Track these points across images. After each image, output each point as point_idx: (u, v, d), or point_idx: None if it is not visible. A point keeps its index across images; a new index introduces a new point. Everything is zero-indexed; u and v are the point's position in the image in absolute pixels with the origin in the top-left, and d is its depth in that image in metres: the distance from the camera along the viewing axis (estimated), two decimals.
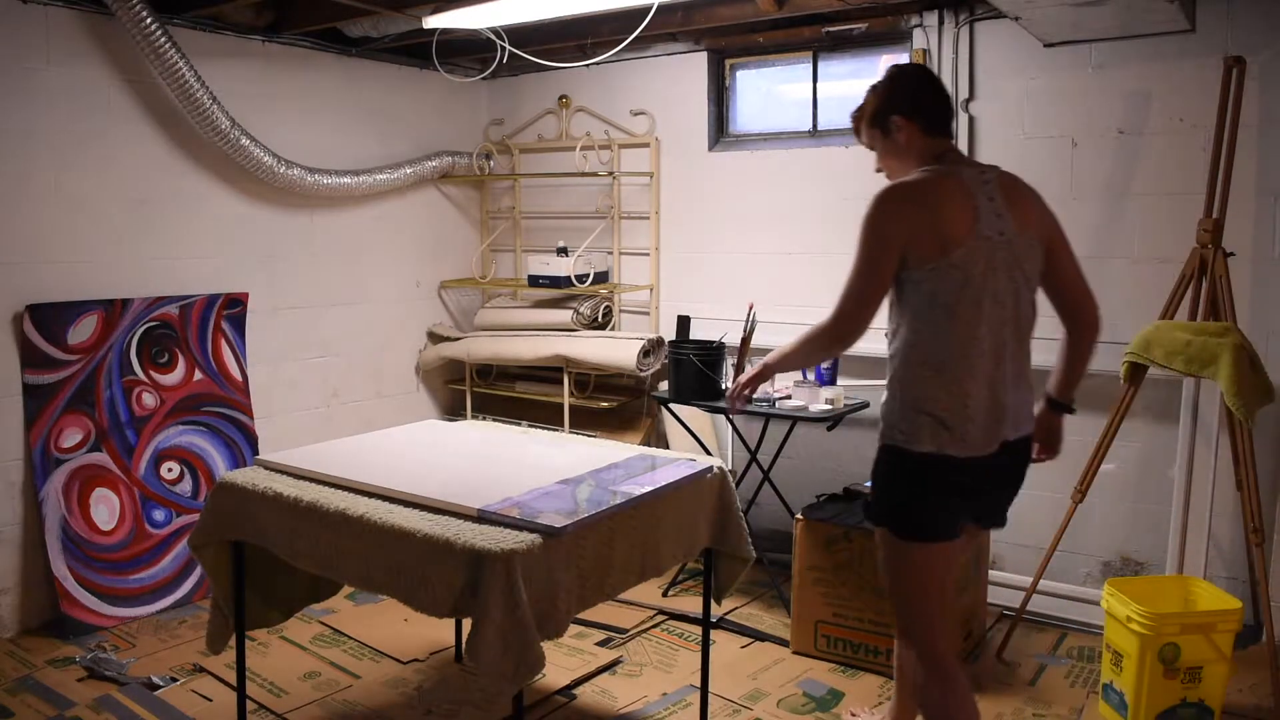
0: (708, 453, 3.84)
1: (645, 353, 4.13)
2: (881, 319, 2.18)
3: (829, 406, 3.51)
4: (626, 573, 2.29)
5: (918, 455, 2.09)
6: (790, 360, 2.32)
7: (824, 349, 2.27)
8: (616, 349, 4.15)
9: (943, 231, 2.07)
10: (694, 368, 3.64)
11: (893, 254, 2.10)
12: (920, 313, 2.10)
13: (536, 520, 2.07)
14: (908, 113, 2.24)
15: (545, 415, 4.56)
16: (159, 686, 3.03)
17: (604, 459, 2.60)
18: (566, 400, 4.36)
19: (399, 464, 2.55)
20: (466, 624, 2.02)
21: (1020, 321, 2.16)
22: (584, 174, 4.49)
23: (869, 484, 2.29)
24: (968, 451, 2.08)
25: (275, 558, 2.43)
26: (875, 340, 3.85)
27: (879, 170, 2.36)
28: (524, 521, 2.08)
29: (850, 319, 2.12)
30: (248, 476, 2.47)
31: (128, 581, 3.55)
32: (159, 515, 3.68)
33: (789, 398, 3.58)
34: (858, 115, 2.37)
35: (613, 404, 4.44)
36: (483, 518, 2.12)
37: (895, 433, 2.13)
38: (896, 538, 2.15)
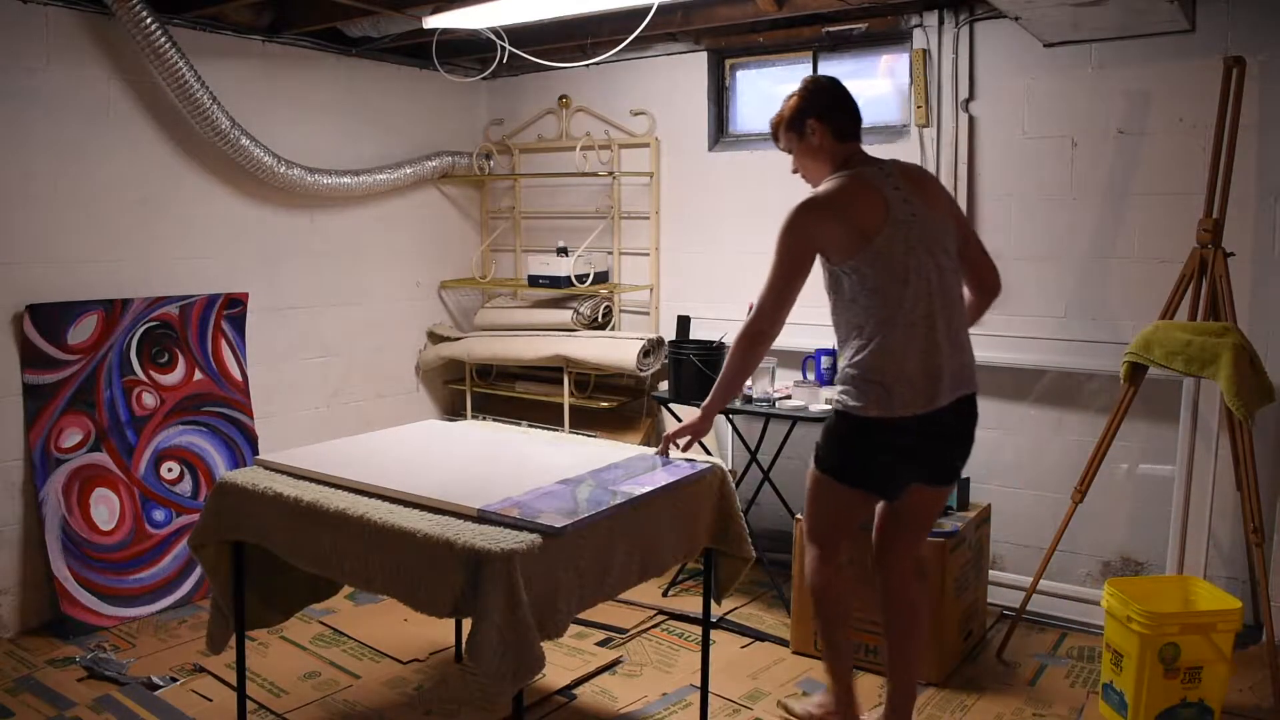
0: (708, 453, 3.83)
1: (645, 353, 4.13)
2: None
3: (829, 406, 3.50)
4: (626, 573, 2.29)
5: (863, 419, 2.41)
6: (724, 387, 2.58)
7: (749, 349, 2.52)
8: (616, 349, 4.15)
9: (859, 226, 2.38)
10: (694, 368, 3.64)
11: (807, 259, 2.42)
12: (856, 298, 2.41)
13: (536, 520, 2.07)
14: (822, 117, 2.51)
15: (545, 415, 4.56)
16: (159, 686, 3.03)
17: (604, 459, 2.60)
18: (566, 400, 4.36)
19: (399, 464, 2.55)
20: (466, 624, 2.02)
21: (947, 291, 2.44)
22: (584, 174, 4.49)
23: (820, 439, 2.58)
24: (907, 410, 2.37)
25: (275, 558, 2.43)
26: None
27: (795, 171, 2.63)
28: (524, 521, 2.07)
29: (768, 316, 2.46)
30: (248, 476, 2.47)
31: (128, 581, 3.55)
32: (159, 515, 3.68)
33: (789, 398, 3.59)
34: (776, 121, 2.61)
35: (613, 404, 4.44)
36: (483, 518, 2.12)
37: (846, 400, 2.44)
38: (836, 481, 2.53)
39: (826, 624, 2.65)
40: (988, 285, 2.62)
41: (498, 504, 2.16)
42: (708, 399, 2.60)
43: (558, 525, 2.05)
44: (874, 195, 2.40)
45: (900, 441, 2.41)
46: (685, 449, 2.64)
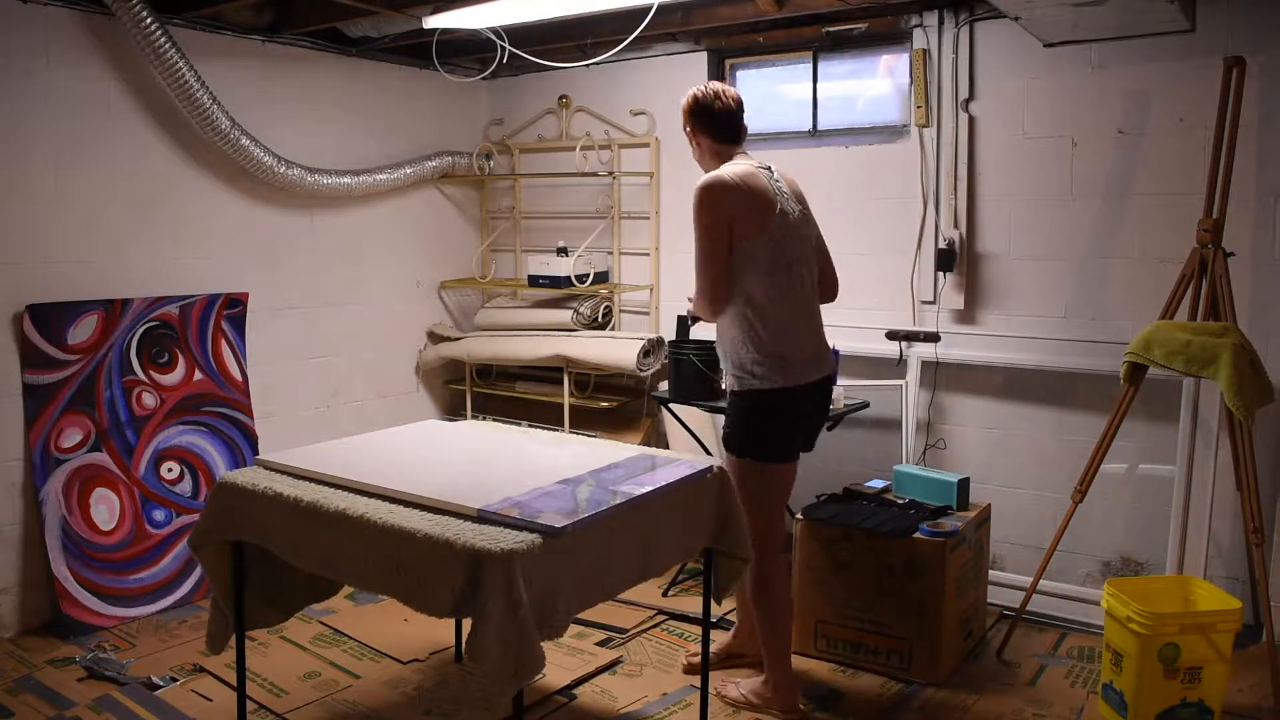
0: (708, 453, 3.83)
1: (645, 353, 4.13)
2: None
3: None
4: (626, 573, 2.29)
5: (771, 391, 2.69)
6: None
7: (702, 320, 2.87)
8: (616, 349, 4.15)
9: (758, 210, 2.67)
10: (694, 368, 3.64)
11: (726, 231, 2.65)
12: (754, 279, 2.66)
13: (536, 520, 2.07)
14: (699, 127, 2.83)
15: (545, 415, 4.56)
16: (159, 686, 3.03)
17: (604, 459, 2.60)
18: (566, 400, 4.36)
19: (399, 464, 2.55)
20: (466, 624, 2.02)
21: (817, 283, 2.84)
22: (584, 174, 4.49)
23: (728, 425, 2.81)
24: (803, 379, 2.72)
25: (275, 558, 2.43)
26: (876, 341, 3.87)
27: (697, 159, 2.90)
28: (524, 521, 2.07)
29: (715, 300, 2.69)
30: (248, 476, 2.47)
31: (128, 581, 3.55)
32: (159, 515, 3.68)
33: None
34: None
35: (613, 404, 4.44)
36: (483, 518, 2.12)
37: (749, 379, 2.70)
38: (757, 462, 2.74)
39: (780, 613, 2.82)
40: (829, 286, 2.93)
41: (498, 504, 2.16)
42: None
43: (558, 525, 2.05)
44: (766, 186, 2.71)
45: (799, 409, 2.75)
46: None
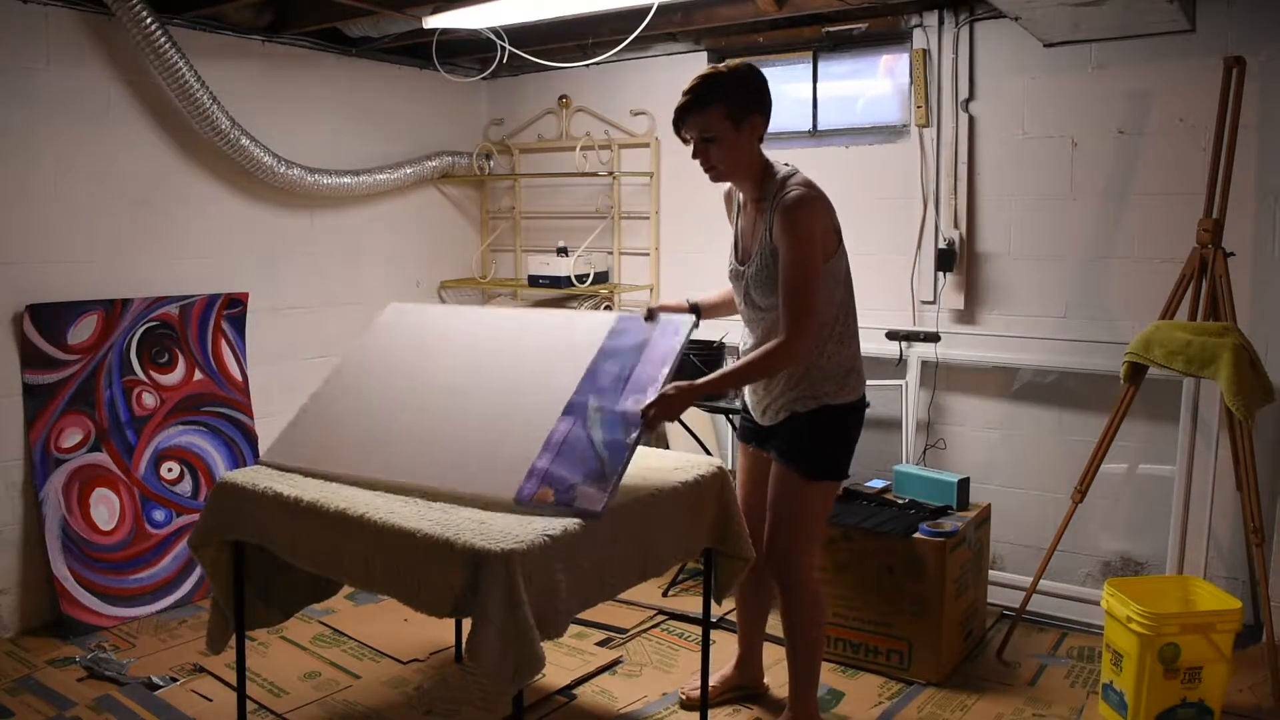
0: (708, 453, 3.83)
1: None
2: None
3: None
4: (626, 573, 2.29)
5: (848, 405, 2.55)
6: (734, 381, 2.64)
7: (780, 369, 2.49)
8: None
9: (836, 223, 2.50)
10: (694, 368, 3.64)
11: (821, 254, 2.41)
12: (828, 296, 2.46)
13: (575, 505, 2.13)
14: (760, 110, 2.44)
15: None
16: (159, 686, 3.03)
17: (588, 345, 2.50)
18: None
19: (403, 436, 2.47)
20: (466, 624, 2.02)
21: None
22: (584, 174, 4.49)
23: (801, 449, 2.57)
24: (864, 389, 2.62)
25: (275, 558, 2.43)
26: (876, 341, 3.86)
27: (711, 168, 2.47)
28: (563, 509, 2.13)
29: (812, 325, 2.39)
30: (248, 476, 2.47)
31: (128, 581, 3.55)
32: (159, 515, 3.68)
33: None
34: (697, 103, 2.40)
35: None
36: (519, 507, 2.16)
37: (822, 395, 2.51)
38: (833, 483, 2.60)
39: (821, 626, 2.67)
40: None
41: (529, 484, 2.19)
42: (715, 379, 2.50)
43: (597, 510, 2.11)
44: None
45: (860, 424, 2.64)
46: (653, 425, 2.31)
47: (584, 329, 2.60)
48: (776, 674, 3.01)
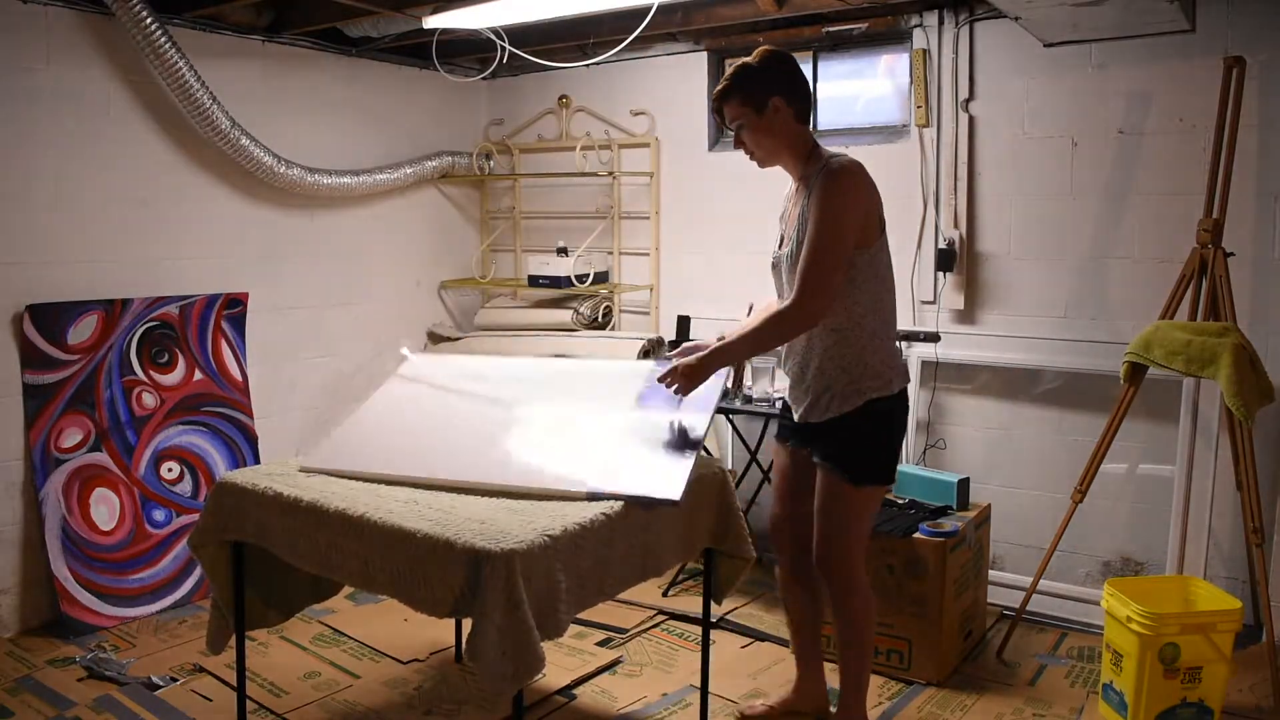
0: (708, 453, 3.83)
1: (645, 353, 4.13)
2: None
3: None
4: (626, 573, 2.29)
5: (893, 397, 2.44)
6: (750, 347, 2.52)
7: (793, 335, 2.45)
8: (616, 349, 4.15)
9: (880, 212, 2.42)
10: None
11: (856, 230, 2.35)
12: (867, 287, 2.39)
13: (649, 495, 2.22)
14: (790, 96, 2.42)
15: None
16: (159, 686, 3.03)
17: (626, 392, 2.63)
18: None
19: (462, 442, 2.55)
20: (466, 624, 2.02)
21: None
22: (584, 174, 4.49)
23: (846, 453, 2.47)
24: (909, 377, 2.52)
25: (275, 558, 2.43)
26: None
27: (740, 146, 2.51)
28: (637, 497, 2.22)
29: (826, 295, 2.33)
30: (248, 476, 2.48)
31: (128, 581, 3.55)
32: (159, 515, 3.68)
33: None
34: (722, 94, 2.45)
35: None
36: (594, 497, 2.23)
37: (867, 390, 2.42)
38: (881, 487, 2.52)
39: (873, 629, 2.60)
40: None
41: (598, 479, 2.29)
42: (728, 344, 2.42)
43: (675, 497, 2.20)
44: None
45: (904, 422, 2.56)
46: (673, 382, 2.40)
47: (623, 373, 2.74)
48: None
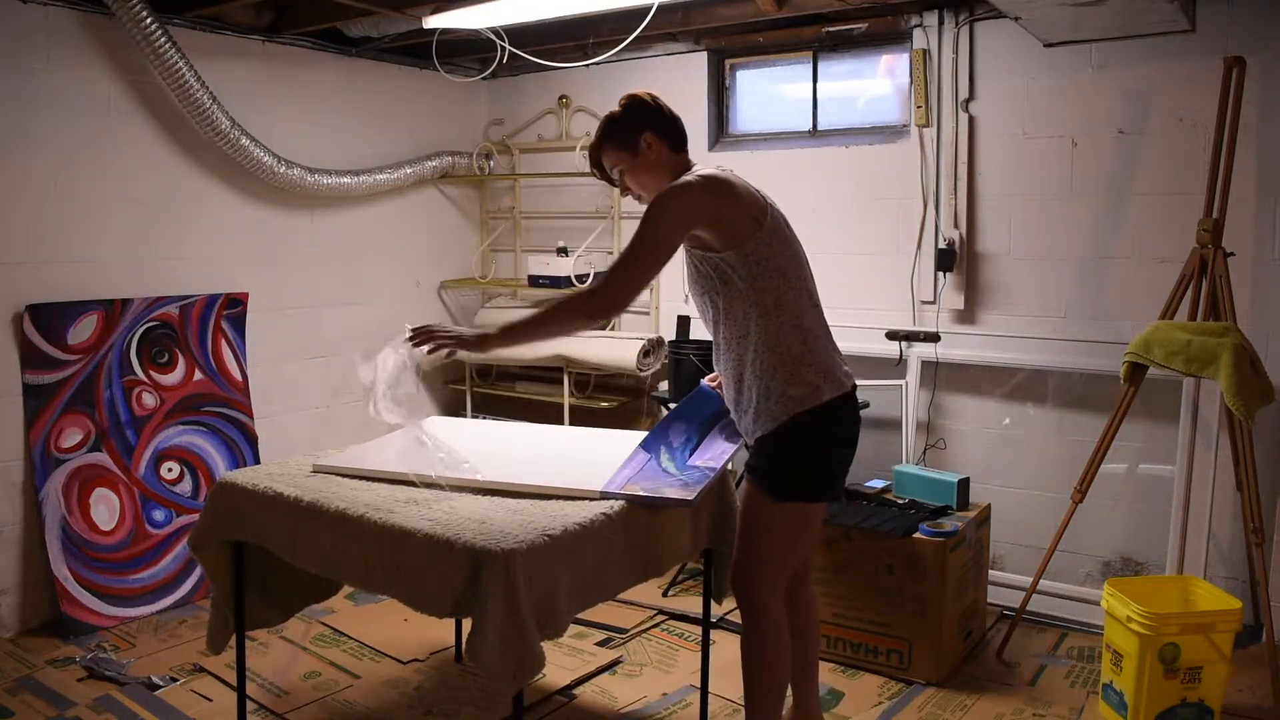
0: None
1: (645, 353, 4.13)
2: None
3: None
4: (626, 573, 2.28)
5: (818, 410, 2.22)
6: (523, 334, 2.33)
7: (578, 322, 2.28)
8: (616, 349, 4.15)
9: (747, 206, 2.24)
10: (694, 367, 3.64)
11: (682, 238, 2.28)
12: (759, 285, 2.24)
13: (664, 495, 2.23)
14: (658, 131, 2.39)
15: (545, 415, 4.56)
16: (159, 686, 3.03)
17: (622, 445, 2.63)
18: (566, 400, 4.36)
19: (482, 455, 2.55)
20: (466, 624, 2.02)
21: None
22: (584, 174, 4.47)
23: (765, 465, 2.30)
24: (849, 381, 2.31)
25: (275, 558, 2.43)
26: (875, 341, 3.86)
27: (625, 194, 2.48)
28: (652, 499, 2.23)
29: (625, 298, 2.26)
30: (248, 476, 2.47)
31: (128, 581, 3.55)
32: (159, 515, 3.68)
33: None
34: (595, 147, 2.44)
35: (613, 404, 4.43)
36: (605, 497, 2.24)
37: (790, 401, 2.21)
38: (805, 504, 2.31)
39: (778, 667, 2.37)
40: None
41: (616, 480, 2.31)
42: (500, 330, 2.30)
43: (691, 498, 2.22)
44: (744, 183, 2.31)
45: (849, 430, 2.33)
46: (433, 350, 2.35)
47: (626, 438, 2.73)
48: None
